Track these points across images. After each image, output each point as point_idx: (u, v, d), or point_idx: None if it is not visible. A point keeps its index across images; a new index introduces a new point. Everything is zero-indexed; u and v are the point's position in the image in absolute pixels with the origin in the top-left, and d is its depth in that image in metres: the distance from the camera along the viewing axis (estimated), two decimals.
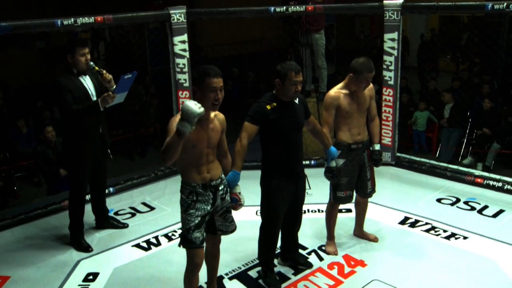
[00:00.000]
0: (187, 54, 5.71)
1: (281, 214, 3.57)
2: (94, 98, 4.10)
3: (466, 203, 4.98)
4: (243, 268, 3.90)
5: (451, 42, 12.88)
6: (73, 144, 4.15)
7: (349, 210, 4.62)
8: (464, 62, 10.87)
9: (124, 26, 10.61)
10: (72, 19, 4.78)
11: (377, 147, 4.05)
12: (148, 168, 5.95)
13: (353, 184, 3.97)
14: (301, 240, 4.01)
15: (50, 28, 4.89)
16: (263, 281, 3.71)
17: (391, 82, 5.74)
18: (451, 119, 7.43)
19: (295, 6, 5.76)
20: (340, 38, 14.11)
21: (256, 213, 4.44)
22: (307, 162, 5.84)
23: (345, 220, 4.48)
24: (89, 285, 3.79)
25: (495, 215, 4.70)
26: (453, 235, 4.33)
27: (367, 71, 3.68)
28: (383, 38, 5.72)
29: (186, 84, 5.74)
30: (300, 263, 3.91)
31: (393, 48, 5.64)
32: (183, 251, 3.10)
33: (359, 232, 4.30)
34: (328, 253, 4.07)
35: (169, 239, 4.43)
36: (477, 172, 5.56)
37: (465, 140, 7.29)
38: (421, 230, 4.44)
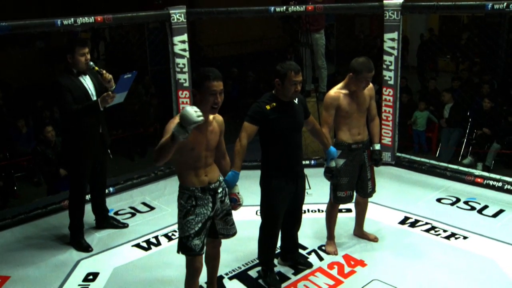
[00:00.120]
0: (187, 54, 5.71)
1: (281, 214, 3.57)
2: (94, 98, 4.10)
3: (466, 203, 4.98)
4: (243, 268, 3.90)
5: (451, 42, 12.88)
6: (73, 144, 4.15)
7: (349, 210, 4.62)
8: (464, 62, 10.87)
9: (124, 26, 10.62)
10: (72, 19, 4.78)
11: (377, 147, 4.05)
12: (148, 168, 5.95)
13: (353, 184, 3.97)
14: (301, 240, 4.01)
15: (50, 28, 4.89)
16: (263, 281, 3.71)
17: (391, 82, 5.74)
18: (450, 119, 7.42)
19: (295, 6, 5.76)
20: (340, 38, 14.10)
21: (256, 213, 4.44)
22: (307, 162, 5.84)
23: (345, 220, 4.48)
24: (89, 285, 3.79)
25: (495, 215, 4.70)
26: (453, 235, 4.33)
27: (366, 71, 3.68)
28: (383, 38, 5.72)
29: (186, 84, 5.74)
30: (300, 263, 3.91)
31: (393, 48, 5.64)
32: None
33: (359, 232, 4.30)
34: (328, 253, 4.07)
35: (169, 239, 4.43)
36: (477, 172, 5.56)
37: (465, 140, 7.29)
38: (421, 230, 4.44)
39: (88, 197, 4.57)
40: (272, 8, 5.76)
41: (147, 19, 5.93)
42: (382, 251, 4.12)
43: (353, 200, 4.08)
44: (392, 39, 5.62)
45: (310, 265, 3.90)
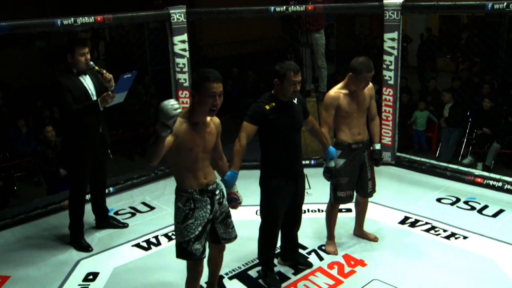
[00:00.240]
0: (187, 53, 5.70)
1: (281, 214, 3.57)
2: (94, 98, 4.10)
3: (466, 202, 4.98)
4: (243, 268, 3.90)
5: (451, 42, 12.88)
6: (73, 144, 4.15)
7: (349, 210, 4.61)
8: (464, 62, 10.88)
9: (124, 26, 10.61)
10: (72, 19, 4.78)
11: (377, 146, 4.05)
12: (148, 168, 5.93)
13: (353, 184, 3.97)
14: (301, 240, 4.01)
15: (50, 27, 4.89)
16: (263, 280, 3.71)
17: (391, 82, 5.74)
18: (450, 118, 7.42)
19: (295, 5, 5.76)
20: (340, 37, 14.09)
21: (256, 213, 4.44)
22: (307, 161, 5.84)
23: (345, 219, 4.48)
24: (89, 284, 3.79)
25: (495, 215, 4.70)
26: (453, 234, 4.33)
27: (366, 71, 3.68)
28: (383, 38, 5.72)
29: (186, 84, 5.74)
30: (300, 263, 3.91)
31: (393, 47, 5.64)
32: None
33: (359, 232, 4.30)
34: (328, 253, 4.07)
35: (169, 238, 4.42)
36: (477, 172, 5.56)
37: (465, 139, 7.29)
38: (421, 230, 4.44)
39: (88, 197, 4.57)
40: (272, 8, 5.75)
41: (147, 19, 5.94)
42: (382, 251, 4.12)
43: (353, 200, 4.09)
44: (392, 39, 5.62)
45: (310, 265, 3.90)
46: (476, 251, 4.05)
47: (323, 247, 4.14)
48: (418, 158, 6.04)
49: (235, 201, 3.19)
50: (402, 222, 4.60)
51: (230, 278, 3.78)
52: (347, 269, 3.85)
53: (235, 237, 3.24)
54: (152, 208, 5.13)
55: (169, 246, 4.28)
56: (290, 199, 3.55)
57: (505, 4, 4.78)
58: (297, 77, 3.32)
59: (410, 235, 4.37)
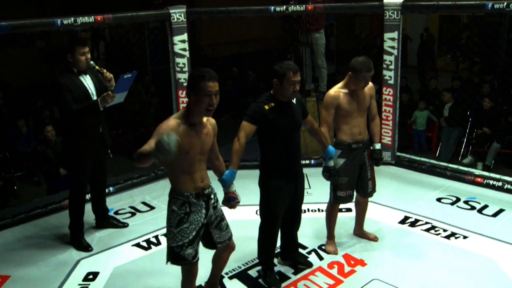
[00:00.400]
0: (187, 53, 5.71)
1: (280, 214, 3.57)
2: (94, 98, 4.10)
3: (466, 202, 4.98)
4: (243, 268, 3.90)
5: (451, 42, 12.88)
6: (73, 143, 4.15)
7: (349, 210, 4.61)
8: (464, 62, 10.88)
9: (124, 25, 10.59)
10: (72, 19, 4.78)
11: (377, 146, 4.04)
12: (148, 168, 5.93)
13: (353, 183, 3.97)
14: (301, 240, 4.01)
15: (50, 27, 4.89)
16: (263, 280, 3.71)
17: (391, 82, 5.74)
18: (450, 118, 7.42)
19: (295, 5, 5.76)
20: (340, 37, 14.09)
21: (256, 213, 4.43)
22: (307, 161, 5.85)
23: (345, 219, 4.48)
24: (89, 284, 3.79)
25: (495, 215, 4.70)
26: (453, 234, 4.33)
27: (366, 70, 3.67)
28: (383, 37, 5.72)
29: (186, 84, 5.73)
30: (300, 263, 3.91)
31: (393, 47, 5.64)
32: None
33: (359, 232, 4.30)
34: (328, 253, 4.07)
35: None
36: (477, 172, 5.56)
37: (465, 139, 7.29)
38: (421, 230, 4.44)
39: (88, 196, 4.57)
40: (272, 8, 5.75)
41: (147, 18, 5.93)
42: (382, 250, 4.12)
43: (353, 200, 4.09)
44: (392, 39, 5.62)
45: (310, 265, 3.90)
46: (476, 250, 4.05)
47: (323, 247, 4.14)
48: (418, 158, 6.04)
49: (233, 200, 3.18)
50: (402, 221, 4.60)
51: (230, 277, 3.78)
52: (347, 268, 3.85)
53: (230, 238, 3.20)
54: (152, 207, 5.13)
55: None
56: (289, 199, 3.55)
57: (505, 4, 4.78)
58: (296, 77, 3.32)
59: (410, 234, 4.37)
